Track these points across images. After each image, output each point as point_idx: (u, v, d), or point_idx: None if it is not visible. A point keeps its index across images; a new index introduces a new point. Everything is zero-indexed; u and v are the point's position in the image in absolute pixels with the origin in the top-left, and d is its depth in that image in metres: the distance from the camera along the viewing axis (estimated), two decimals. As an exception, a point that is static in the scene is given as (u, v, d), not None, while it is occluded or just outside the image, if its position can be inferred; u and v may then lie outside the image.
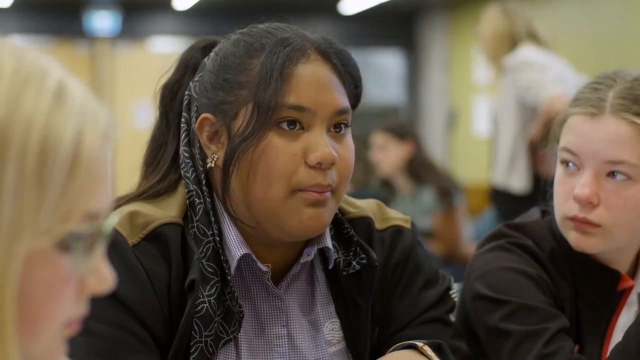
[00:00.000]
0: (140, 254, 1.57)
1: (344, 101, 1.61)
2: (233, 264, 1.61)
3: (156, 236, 1.59)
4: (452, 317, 1.80)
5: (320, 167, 1.56)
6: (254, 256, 1.62)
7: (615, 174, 1.77)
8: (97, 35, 11.35)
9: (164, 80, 1.73)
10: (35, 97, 0.84)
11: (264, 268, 1.63)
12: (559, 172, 1.83)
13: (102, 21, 11.26)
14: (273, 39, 1.60)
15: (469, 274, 1.88)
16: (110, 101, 11.34)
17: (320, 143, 1.56)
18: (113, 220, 0.93)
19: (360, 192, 4.71)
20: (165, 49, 11.13)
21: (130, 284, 1.55)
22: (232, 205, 1.61)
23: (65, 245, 0.87)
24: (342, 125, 1.61)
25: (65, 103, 0.86)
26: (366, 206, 1.80)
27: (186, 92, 1.68)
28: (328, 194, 1.58)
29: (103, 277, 0.93)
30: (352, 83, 1.64)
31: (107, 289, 0.93)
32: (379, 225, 1.77)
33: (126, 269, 1.55)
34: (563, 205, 1.81)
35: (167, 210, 1.62)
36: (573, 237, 1.81)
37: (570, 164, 1.81)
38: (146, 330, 1.56)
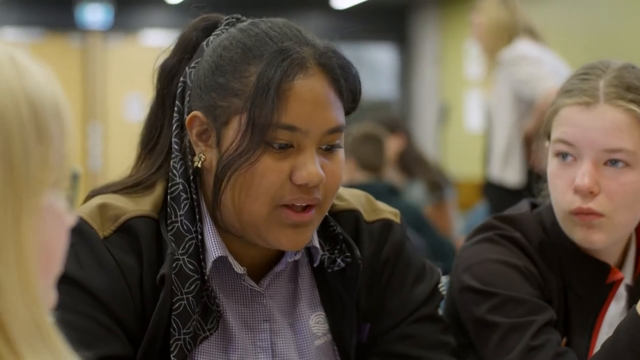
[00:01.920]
0: (112, 246, 1.56)
1: (338, 118, 1.58)
2: (208, 265, 1.59)
3: (127, 229, 1.58)
4: (440, 310, 1.80)
5: (306, 186, 1.55)
6: (230, 258, 1.61)
7: (613, 161, 1.77)
8: (90, 28, 11.33)
9: (162, 59, 1.70)
10: (3, 73, 0.90)
11: (239, 271, 1.62)
12: (554, 165, 1.82)
13: (94, 14, 11.23)
14: (273, 46, 1.55)
15: (457, 265, 1.88)
16: (103, 94, 11.32)
17: (308, 163, 1.54)
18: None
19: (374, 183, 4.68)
20: (157, 42, 11.08)
21: (102, 275, 1.54)
22: (222, 216, 1.59)
23: (62, 187, 0.93)
24: (334, 147, 1.59)
25: (24, 67, 0.92)
26: (354, 199, 1.79)
27: (181, 79, 1.65)
28: (312, 212, 1.57)
29: (73, 212, 0.98)
30: (351, 96, 1.62)
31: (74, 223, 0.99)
32: (367, 217, 1.76)
33: (97, 261, 1.55)
34: (563, 198, 1.81)
35: (139, 205, 1.61)
36: (579, 234, 1.80)
37: (568, 156, 1.81)
38: (116, 321, 1.55)
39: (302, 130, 1.53)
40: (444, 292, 1.82)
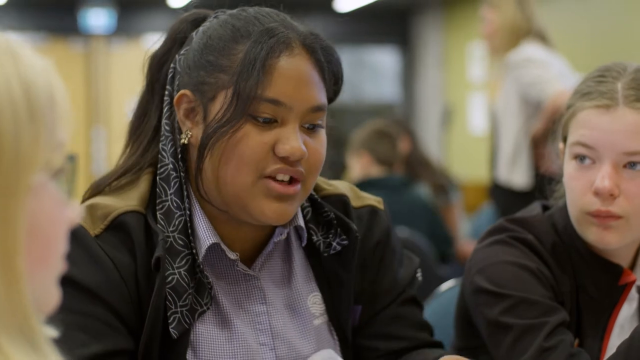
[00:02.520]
0: (104, 244, 1.59)
1: (321, 97, 1.63)
2: (202, 252, 1.63)
3: (117, 225, 1.61)
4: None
5: (288, 159, 1.59)
6: (222, 245, 1.65)
7: (632, 164, 1.78)
8: (93, 32, 11.34)
9: (152, 50, 1.76)
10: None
11: (232, 256, 1.66)
12: (572, 167, 1.82)
13: (97, 18, 11.24)
14: (260, 27, 1.62)
15: (469, 267, 1.88)
16: (106, 98, 11.33)
17: (291, 137, 1.59)
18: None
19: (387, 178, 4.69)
20: (157, 39, 11.06)
21: (96, 272, 1.57)
22: (203, 186, 1.63)
23: (57, 171, 0.94)
24: (317, 126, 1.63)
25: (19, 54, 0.94)
26: (340, 185, 1.84)
27: (172, 65, 1.71)
28: (298, 186, 1.62)
29: (74, 207, 0.98)
30: (333, 79, 1.67)
31: (78, 219, 0.99)
32: (354, 202, 1.81)
33: (90, 259, 1.57)
34: (581, 200, 1.81)
35: (127, 201, 1.64)
36: (594, 233, 1.81)
37: (586, 158, 1.80)
38: (115, 315, 1.58)
39: (286, 105, 1.58)
40: (420, 279, 1.86)
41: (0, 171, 0.88)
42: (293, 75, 1.59)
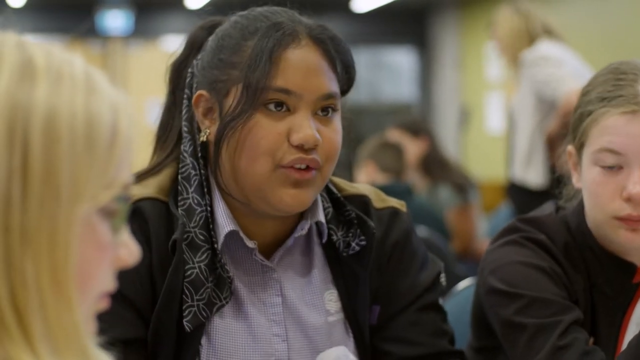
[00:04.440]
0: None
1: (331, 86, 1.65)
2: (220, 239, 1.65)
3: (134, 212, 1.63)
4: (441, 300, 1.85)
5: (303, 147, 1.61)
6: (241, 233, 1.67)
7: None
8: (110, 34, 11.38)
9: (173, 58, 1.80)
10: (72, 87, 0.94)
11: (250, 245, 1.68)
12: (596, 173, 1.80)
13: (115, 20, 11.28)
14: (267, 22, 1.65)
15: (482, 268, 1.89)
16: (123, 100, 11.36)
17: (304, 125, 1.61)
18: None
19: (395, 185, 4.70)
20: (177, 48, 11.10)
21: None
22: (222, 179, 1.66)
23: (108, 211, 0.95)
24: (330, 109, 1.66)
25: (95, 88, 0.96)
26: (363, 187, 1.85)
27: (189, 70, 1.74)
28: (314, 172, 1.64)
29: (131, 249, 0.99)
30: (343, 68, 1.69)
31: (134, 262, 1.00)
32: (377, 204, 1.82)
33: None
34: (609, 206, 1.79)
35: (144, 189, 1.68)
36: (624, 236, 1.79)
37: (614, 165, 1.79)
38: (128, 303, 1.61)
39: (296, 93, 1.62)
40: (444, 283, 1.85)
41: (51, 194, 0.90)
42: (301, 65, 1.63)
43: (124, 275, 1.56)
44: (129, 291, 1.60)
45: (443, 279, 1.85)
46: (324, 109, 1.65)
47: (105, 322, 1.54)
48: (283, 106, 1.62)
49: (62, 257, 0.90)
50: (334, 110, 1.66)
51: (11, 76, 0.91)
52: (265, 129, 1.61)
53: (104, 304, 0.99)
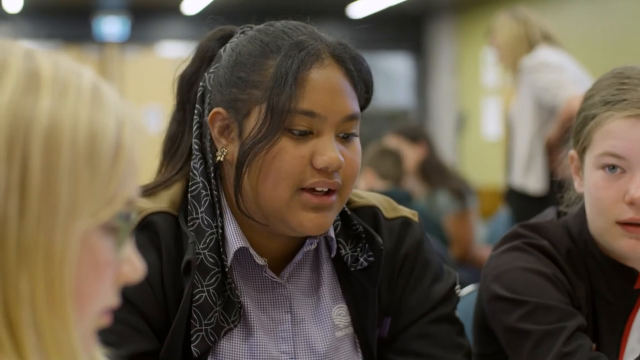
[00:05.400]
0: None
1: (354, 106, 1.64)
2: (230, 257, 1.64)
3: (146, 225, 1.62)
4: (457, 312, 1.81)
5: (327, 170, 1.59)
6: (251, 250, 1.66)
7: None
8: (107, 40, 11.38)
9: (181, 69, 1.76)
10: (77, 99, 0.92)
11: (260, 262, 1.66)
12: (599, 177, 1.80)
13: (111, 26, 11.29)
14: (289, 40, 1.62)
15: (485, 275, 1.88)
16: (120, 106, 11.36)
17: (328, 148, 1.60)
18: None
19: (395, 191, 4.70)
20: (174, 54, 11.13)
21: None
22: (244, 203, 1.63)
23: (110, 227, 0.93)
24: (351, 136, 1.65)
25: (101, 101, 0.93)
26: (372, 197, 1.83)
27: (201, 84, 1.71)
28: (334, 197, 1.62)
29: (135, 265, 0.98)
30: (364, 88, 1.68)
31: (138, 278, 0.98)
32: (387, 214, 1.79)
33: None
34: (611, 210, 1.79)
35: (156, 202, 1.66)
36: (627, 244, 1.79)
37: (616, 168, 1.79)
38: (142, 317, 1.59)
39: (321, 116, 1.59)
40: (460, 294, 1.83)
41: (49, 210, 0.88)
42: (325, 86, 1.60)
43: (136, 288, 1.55)
44: (141, 303, 1.59)
45: (458, 289, 1.82)
46: (345, 134, 1.63)
47: (119, 336, 1.54)
48: (307, 130, 1.59)
49: (58, 273, 0.89)
50: (355, 135, 1.65)
51: (16, 86, 0.90)
52: (289, 153, 1.59)
53: (105, 320, 0.97)
